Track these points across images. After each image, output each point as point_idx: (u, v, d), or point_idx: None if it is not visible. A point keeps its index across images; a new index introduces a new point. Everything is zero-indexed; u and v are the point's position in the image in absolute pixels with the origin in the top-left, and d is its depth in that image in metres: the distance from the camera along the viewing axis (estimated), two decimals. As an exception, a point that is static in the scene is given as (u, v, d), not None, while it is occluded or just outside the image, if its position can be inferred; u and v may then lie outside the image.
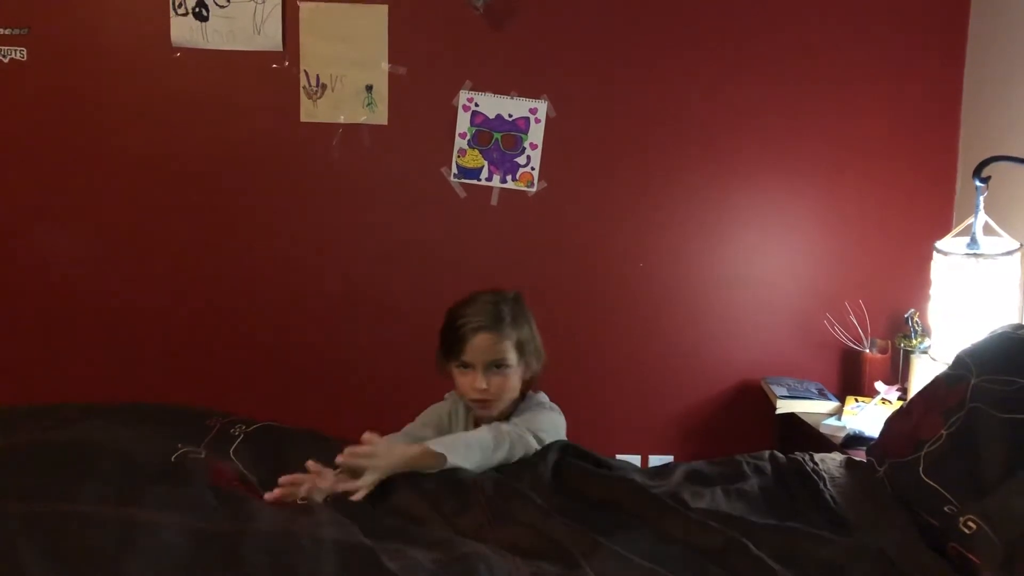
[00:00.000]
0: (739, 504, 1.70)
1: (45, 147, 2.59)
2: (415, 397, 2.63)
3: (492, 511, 1.50)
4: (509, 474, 1.72)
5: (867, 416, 2.36)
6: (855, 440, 2.25)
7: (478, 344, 1.76)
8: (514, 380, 1.81)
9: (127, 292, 2.65)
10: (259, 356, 2.69)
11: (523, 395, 1.89)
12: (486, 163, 2.64)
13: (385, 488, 1.60)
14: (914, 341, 2.46)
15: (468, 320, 1.76)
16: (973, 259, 2.09)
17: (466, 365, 1.78)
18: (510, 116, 2.62)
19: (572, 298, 2.68)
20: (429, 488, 1.58)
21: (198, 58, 2.56)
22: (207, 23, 2.54)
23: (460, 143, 2.63)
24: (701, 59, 2.62)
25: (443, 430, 1.88)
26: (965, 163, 2.62)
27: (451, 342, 1.79)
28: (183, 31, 2.54)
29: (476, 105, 2.61)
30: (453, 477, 1.60)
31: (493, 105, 2.62)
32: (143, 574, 1.14)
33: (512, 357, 1.79)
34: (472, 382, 1.77)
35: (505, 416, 1.86)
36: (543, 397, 1.93)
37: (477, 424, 1.86)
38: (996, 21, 2.51)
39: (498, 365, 1.77)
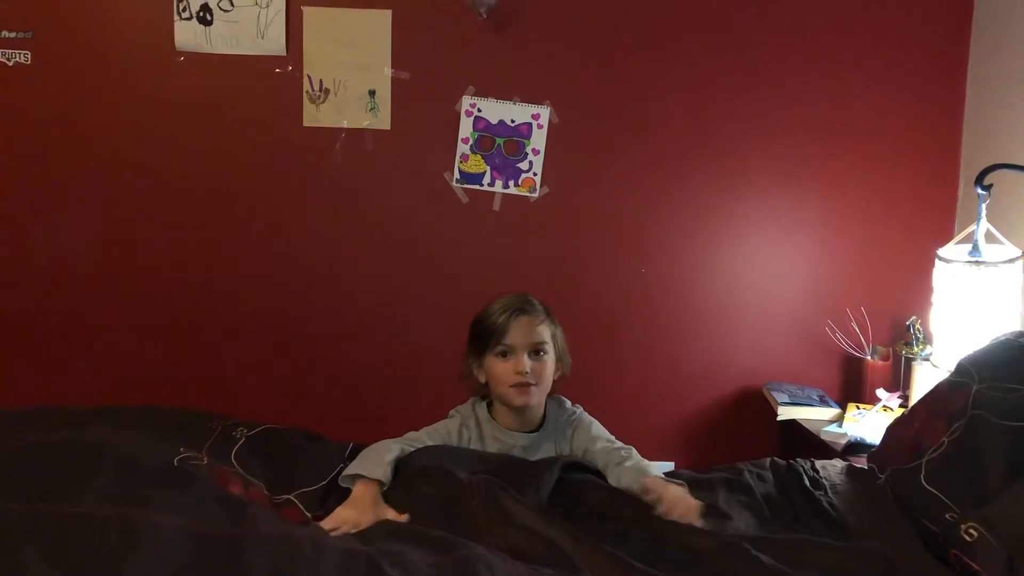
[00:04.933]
0: (740, 511, 1.70)
1: (48, 150, 2.59)
2: (417, 400, 2.63)
3: (490, 515, 1.50)
4: (509, 479, 1.73)
5: (868, 423, 2.36)
6: (856, 447, 2.25)
7: (520, 327, 1.79)
8: (551, 368, 1.84)
9: (130, 295, 2.66)
10: (261, 360, 2.69)
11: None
12: (488, 168, 2.65)
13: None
14: (915, 348, 2.46)
15: (506, 307, 1.81)
16: (975, 266, 2.09)
17: (507, 351, 1.80)
18: (512, 121, 2.63)
19: (573, 304, 2.67)
20: (428, 492, 1.58)
21: (202, 62, 2.56)
22: (211, 27, 2.54)
23: (462, 148, 2.63)
24: (704, 66, 2.62)
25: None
26: (967, 171, 2.62)
27: (489, 332, 1.81)
28: (187, 35, 2.54)
29: (479, 110, 2.62)
30: (449, 481, 1.61)
31: (496, 110, 2.62)
32: (144, 576, 1.14)
33: (549, 344, 1.83)
34: (515, 366, 1.79)
35: (539, 417, 1.87)
36: (569, 403, 1.95)
37: (492, 439, 1.85)
38: (998, 29, 2.51)
39: (537, 350, 1.81)
